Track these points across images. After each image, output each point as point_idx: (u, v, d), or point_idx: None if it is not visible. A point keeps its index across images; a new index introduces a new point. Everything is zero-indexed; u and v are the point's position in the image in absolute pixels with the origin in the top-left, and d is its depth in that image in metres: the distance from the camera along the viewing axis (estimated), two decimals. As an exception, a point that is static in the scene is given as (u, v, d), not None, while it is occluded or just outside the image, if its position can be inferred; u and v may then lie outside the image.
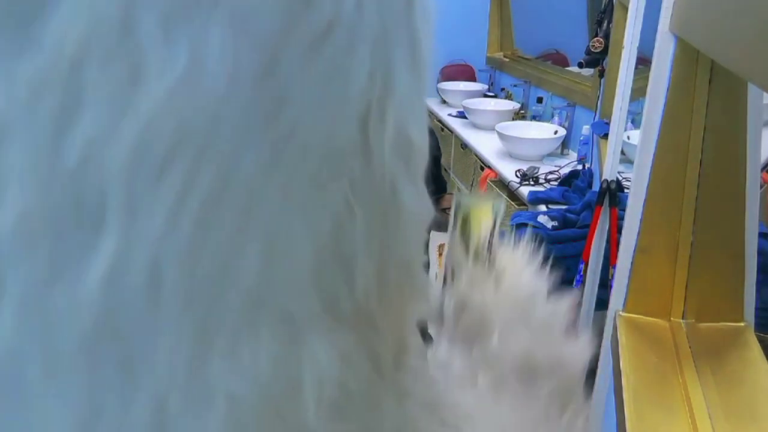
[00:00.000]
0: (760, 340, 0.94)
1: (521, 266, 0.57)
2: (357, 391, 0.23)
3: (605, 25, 2.31)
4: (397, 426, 0.26)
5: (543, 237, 1.72)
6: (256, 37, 0.18)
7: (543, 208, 2.11)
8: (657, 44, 0.97)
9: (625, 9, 1.62)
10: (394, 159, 0.22)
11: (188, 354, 0.19)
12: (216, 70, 0.18)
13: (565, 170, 2.49)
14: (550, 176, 2.49)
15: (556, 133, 2.81)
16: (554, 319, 0.53)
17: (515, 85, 3.57)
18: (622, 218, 1.48)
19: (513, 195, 2.45)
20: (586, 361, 0.54)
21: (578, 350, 0.53)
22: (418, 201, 0.24)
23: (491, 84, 3.89)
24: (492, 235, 0.57)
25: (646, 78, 1.02)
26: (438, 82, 3.93)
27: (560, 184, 2.33)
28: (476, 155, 2.93)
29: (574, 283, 1.74)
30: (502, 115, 3.23)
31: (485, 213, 0.59)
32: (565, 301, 0.55)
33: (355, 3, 0.20)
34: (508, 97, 3.66)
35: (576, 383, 0.53)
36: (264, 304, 0.20)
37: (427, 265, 0.28)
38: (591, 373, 1.34)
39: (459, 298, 0.55)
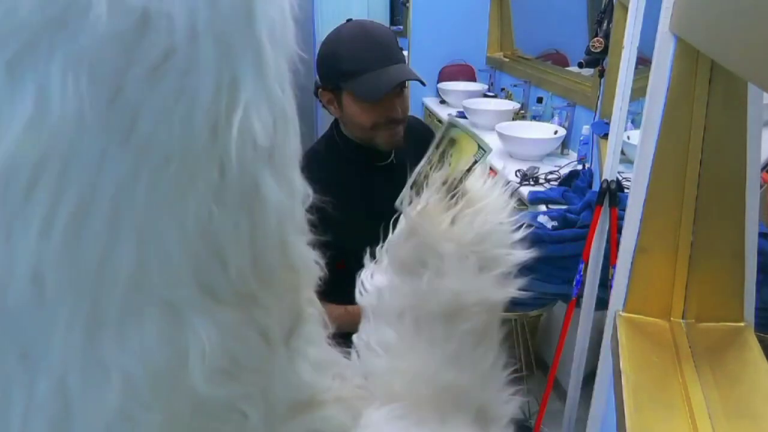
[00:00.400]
0: (760, 340, 0.94)
1: (485, 208, 0.59)
2: (246, 359, 0.27)
3: (605, 25, 2.31)
4: (288, 384, 0.30)
5: (542, 237, 1.72)
6: (97, 73, 0.21)
7: (543, 208, 2.11)
8: (657, 44, 0.97)
9: (625, 9, 1.62)
10: (251, 161, 0.25)
11: (80, 341, 0.22)
12: (63, 106, 0.20)
13: (565, 170, 2.49)
14: (550, 176, 2.50)
15: (556, 133, 2.81)
16: (495, 266, 0.57)
17: (515, 85, 3.57)
18: (622, 218, 1.48)
19: (513, 195, 2.44)
20: (505, 302, 0.58)
21: (503, 295, 0.57)
22: (284, 192, 0.27)
23: (491, 84, 3.89)
24: (467, 173, 0.60)
25: (646, 78, 1.02)
26: (438, 82, 3.93)
27: (560, 184, 2.33)
28: (476, 155, 2.93)
29: (574, 283, 1.74)
30: (502, 115, 3.23)
31: (470, 149, 0.61)
32: (517, 252, 0.58)
33: (187, 35, 0.23)
34: (508, 97, 3.66)
35: (493, 322, 0.58)
36: (144, 293, 0.23)
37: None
38: (591, 373, 1.34)
39: (410, 224, 0.58)
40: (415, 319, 0.55)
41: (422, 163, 0.62)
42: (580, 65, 2.51)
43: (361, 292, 0.60)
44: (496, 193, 0.61)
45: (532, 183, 2.45)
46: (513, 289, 0.58)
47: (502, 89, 3.81)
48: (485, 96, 3.75)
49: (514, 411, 0.58)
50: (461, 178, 0.60)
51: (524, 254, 0.59)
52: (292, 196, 0.28)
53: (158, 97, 0.22)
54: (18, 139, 0.20)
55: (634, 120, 2.30)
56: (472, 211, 0.58)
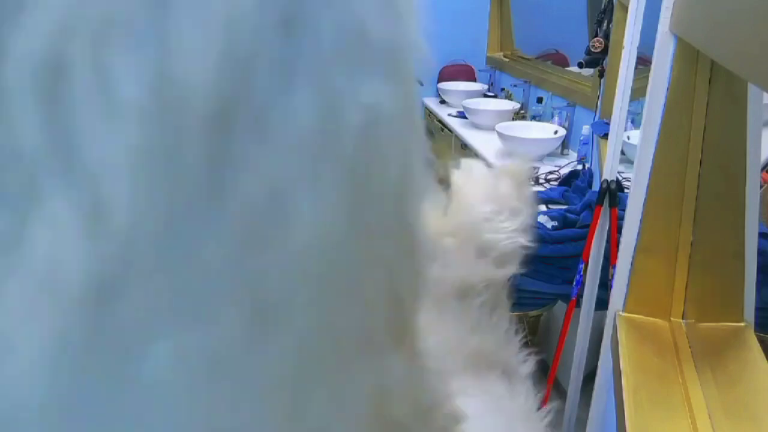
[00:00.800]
0: (760, 340, 0.94)
1: (472, 196, 0.69)
2: (413, 384, 0.31)
3: (605, 25, 2.31)
4: (428, 396, 0.34)
5: (542, 237, 1.72)
6: (353, 180, 0.23)
7: (543, 208, 2.11)
8: (657, 44, 0.97)
9: (625, 9, 1.61)
10: (418, 220, 0.29)
11: (316, 380, 0.25)
12: (335, 217, 0.23)
13: (565, 170, 2.49)
14: (550, 176, 2.50)
15: (556, 133, 2.81)
16: (491, 250, 0.67)
17: (515, 85, 3.56)
18: (622, 218, 1.48)
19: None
20: (508, 278, 0.70)
21: (505, 272, 0.68)
22: (423, 231, 0.31)
23: (491, 84, 3.89)
24: (449, 169, 0.70)
25: (646, 78, 1.02)
26: (438, 82, 3.93)
27: (560, 184, 2.33)
28: (476, 155, 2.93)
29: (574, 283, 1.74)
30: (502, 115, 3.23)
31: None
32: (510, 236, 0.68)
33: (395, 131, 0.25)
34: (508, 97, 3.66)
35: (501, 294, 0.69)
36: (357, 344, 0.27)
37: None
38: (591, 373, 1.34)
39: None
40: (434, 301, 0.64)
41: None
42: (580, 65, 2.51)
43: None
44: (480, 185, 0.70)
45: (532, 183, 2.44)
46: (512, 267, 0.68)
47: (502, 89, 3.81)
48: (485, 96, 3.75)
49: (531, 370, 0.70)
50: (445, 175, 0.69)
51: (516, 237, 0.69)
52: (425, 230, 0.32)
53: (371, 193, 0.25)
54: (289, 260, 0.22)
55: (634, 120, 2.30)
56: (459, 206, 0.67)
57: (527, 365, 0.69)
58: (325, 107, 0.22)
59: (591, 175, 2.23)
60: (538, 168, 2.57)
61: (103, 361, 0.19)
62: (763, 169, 1.41)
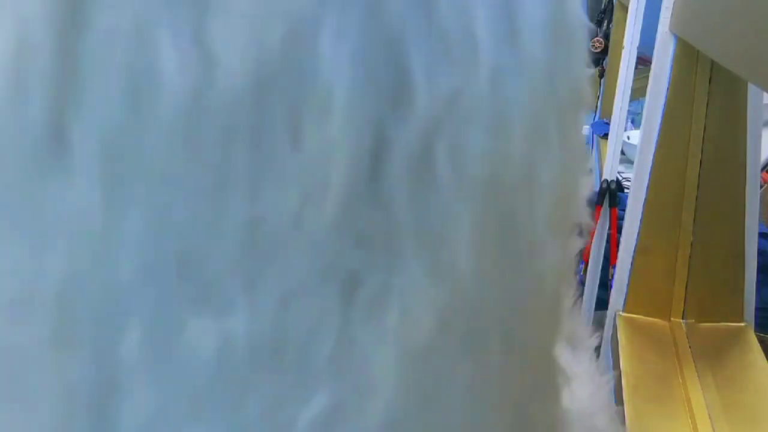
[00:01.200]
0: (760, 340, 0.94)
1: None
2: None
3: (605, 25, 2.31)
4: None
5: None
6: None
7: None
8: (657, 44, 0.97)
9: (625, 9, 1.61)
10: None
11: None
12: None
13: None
14: (550, 176, 2.49)
15: (556, 133, 2.80)
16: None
17: (515, 85, 3.56)
18: (622, 218, 1.48)
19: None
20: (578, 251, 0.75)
21: (572, 248, 0.73)
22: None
23: (491, 84, 3.89)
24: None
25: (646, 78, 1.02)
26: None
27: (560, 184, 2.32)
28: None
29: (574, 283, 1.74)
30: (502, 115, 3.23)
31: None
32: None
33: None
34: (508, 97, 3.66)
35: (570, 266, 0.71)
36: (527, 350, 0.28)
37: None
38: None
39: None
40: None
41: None
42: (580, 65, 2.50)
43: None
44: None
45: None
46: (576, 245, 0.74)
47: (502, 89, 3.81)
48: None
49: (597, 343, 0.74)
50: None
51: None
52: None
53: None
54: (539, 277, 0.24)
55: (634, 120, 2.30)
56: None
57: (593, 340, 0.74)
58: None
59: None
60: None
61: (425, 396, 0.22)
62: (763, 169, 1.41)
